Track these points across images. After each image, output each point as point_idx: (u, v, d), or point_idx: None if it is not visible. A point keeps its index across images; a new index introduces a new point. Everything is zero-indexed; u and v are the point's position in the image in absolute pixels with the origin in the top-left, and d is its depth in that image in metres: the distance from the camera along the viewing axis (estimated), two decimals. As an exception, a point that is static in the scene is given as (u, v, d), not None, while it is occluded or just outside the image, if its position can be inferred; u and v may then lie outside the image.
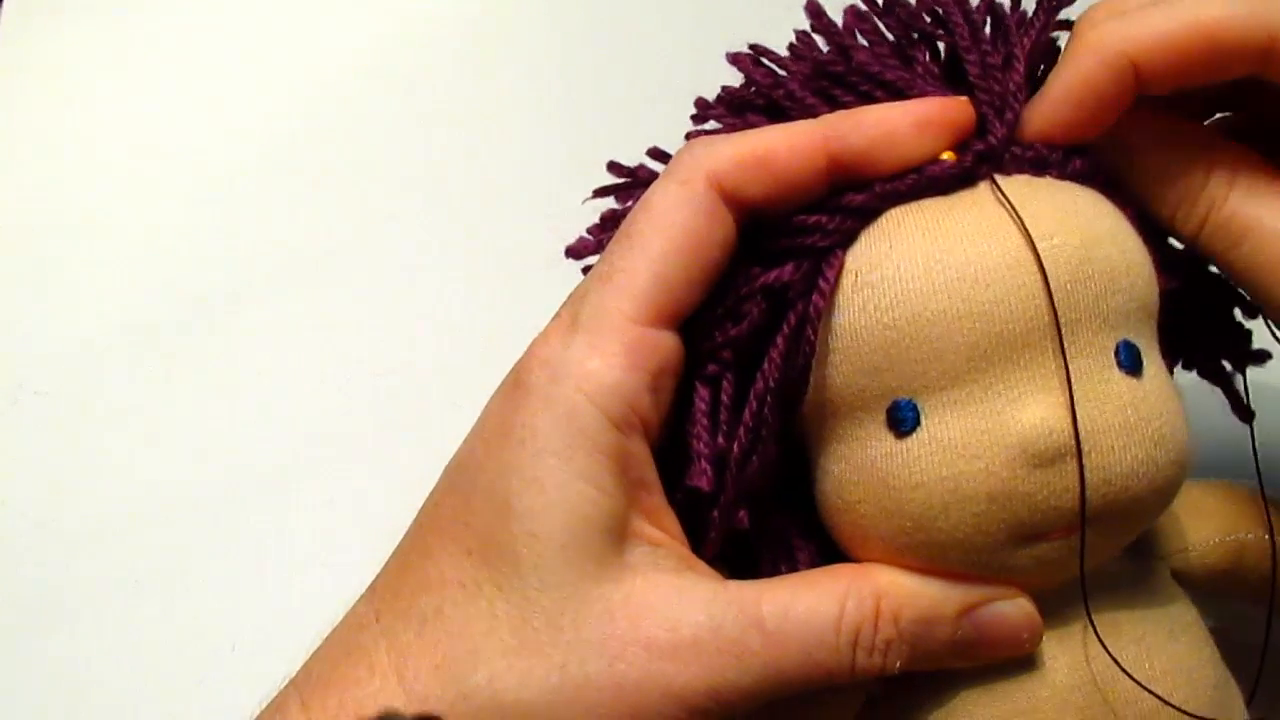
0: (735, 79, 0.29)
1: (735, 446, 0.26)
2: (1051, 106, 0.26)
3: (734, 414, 0.26)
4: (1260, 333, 0.29)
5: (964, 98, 0.26)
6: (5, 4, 0.53)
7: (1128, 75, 0.25)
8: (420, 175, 0.48)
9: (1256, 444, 0.29)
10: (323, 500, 0.42)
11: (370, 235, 0.47)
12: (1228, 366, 0.31)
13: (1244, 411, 0.30)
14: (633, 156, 0.30)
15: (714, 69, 0.29)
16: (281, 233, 0.48)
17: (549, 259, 0.30)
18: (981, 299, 0.24)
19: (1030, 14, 0.28)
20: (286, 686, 0.27)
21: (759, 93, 0.28)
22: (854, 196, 0.25)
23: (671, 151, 0.28)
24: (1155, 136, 0.27)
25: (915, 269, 0.24)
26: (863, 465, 0.25)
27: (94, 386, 0.45)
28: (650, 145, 0.30)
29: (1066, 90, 0.26)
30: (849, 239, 0.25)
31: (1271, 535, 0.28)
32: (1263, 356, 0.30)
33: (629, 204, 0.28)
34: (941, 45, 0.28)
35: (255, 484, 0.42)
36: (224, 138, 0.50)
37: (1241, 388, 0.30)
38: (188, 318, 0.46)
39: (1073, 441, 0.24)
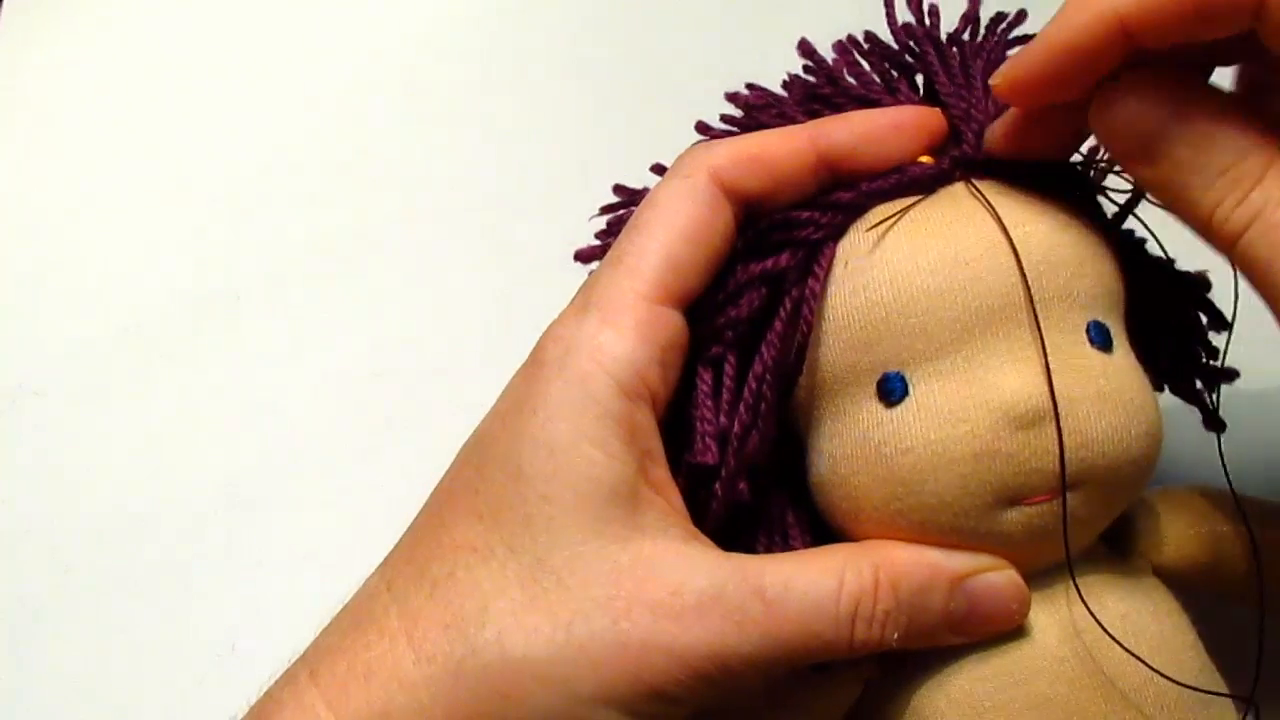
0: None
1: (736, 424, 0.27)
2: (1036, 58, 0.25)
3: (735, 393, 0.28)
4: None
5: (937, 108, 0.29)
6: (5, 4, 0.53)
7: (1115, 32, 0.24)
8: (421, 176, 0.48)
9: (1224, 454, 0.30)
10: (323, 500, 0.42)
11: (371, 235, 0.47)
12: (1199, 384, 0.32)
13: (1216, 423, 0.32)
14: (633, 167, 0.32)
15: (717, 87, 0.31)
16: (282, 233, 0.47)
17: (550, 261, 0.31)
18: (962, 277, 0.26)
19: (982, 39, 0.31)
20: (297, 660, 0.27)
21: (753, 114, 0.31)
22: (843, 194, 0.28)
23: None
24: (1201, 118, 0.24)
25: (901, 254, 0.27)
26: (856, 437, 0.27)
27: (94, 386, 0.45)
28: (649, 154, 0.32)
29: (1053, 43, 0.24)
30: (839, 232, 0.28)
31: (1249, 526, 0.29)
32: (1232, 375, 0.32)
33: (632, 210, 0.30)
34: (919, 78, 0.31)
35: (255, 484, 0.42)
36: (224, 137, 0.50)
37: (1210, 399, 0.32)
38: (188, 317, 0.46)
39: (1050, 405, 0.25)
